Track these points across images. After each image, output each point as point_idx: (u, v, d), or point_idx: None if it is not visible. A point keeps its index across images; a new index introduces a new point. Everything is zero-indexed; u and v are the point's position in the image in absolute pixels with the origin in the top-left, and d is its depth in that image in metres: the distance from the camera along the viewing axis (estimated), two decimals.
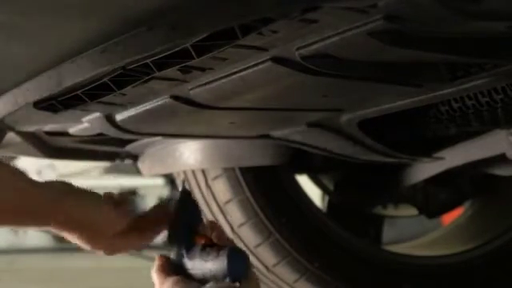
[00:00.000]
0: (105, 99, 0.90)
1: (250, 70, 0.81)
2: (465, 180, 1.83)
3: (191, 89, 0.89)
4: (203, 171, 1.51)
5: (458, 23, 0.70)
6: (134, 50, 0.73)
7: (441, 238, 1.99)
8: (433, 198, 1.79)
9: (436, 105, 1.21)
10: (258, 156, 1.42)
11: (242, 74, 0.82)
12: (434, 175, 1.48)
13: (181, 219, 1.08)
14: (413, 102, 0.99)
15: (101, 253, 1.07)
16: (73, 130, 1.16)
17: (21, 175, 0.96)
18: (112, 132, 1.05)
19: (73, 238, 1.02)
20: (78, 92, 0.88)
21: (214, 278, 0.98)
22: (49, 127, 1.19)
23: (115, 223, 1.01)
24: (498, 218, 1.84)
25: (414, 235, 2.10)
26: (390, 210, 1.93)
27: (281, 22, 0.67)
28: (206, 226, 1.05)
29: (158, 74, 0.79)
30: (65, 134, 1.21)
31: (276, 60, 0.78)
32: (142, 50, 0.73)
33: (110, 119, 1.03)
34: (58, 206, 0.97)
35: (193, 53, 0.73)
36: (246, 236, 1.53)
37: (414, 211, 1.84)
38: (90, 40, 0.76)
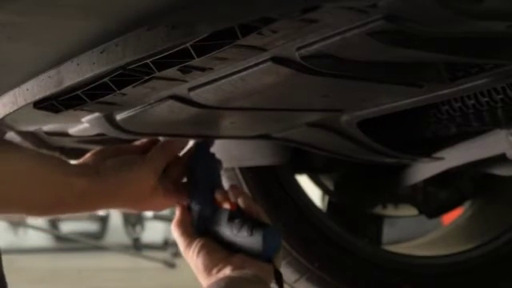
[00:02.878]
0: (105, 99, 0.90)
1: (249, 70, 0.81)
2: (465, 180, 1.83)
3: (191, 89, 0.89)
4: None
5: (458, 23, 0.70)
6: (134, 50, 0.73)
7: (441, 238, 1.99)
8: (433, 198, 1.79)
9: (436, 105, 1.21)
10: (258, 156, 1.42)
11: (242, 74, 0.82)
12: (434, 175, 1.49)
13: (199, 175, 1.08)
14: (413, 102, 1.00)
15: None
16: (73, 130, 1.16)
17: (53, 166, 0.98)
18: (112, 132, 1.05)
19: (117, 210, 1.06)
20: (78, 92, 0.88)
21: (244, 251, 0.99)
22: (49, 127, 1.19)
23: (150, 178, 1.03)
24: (498, 218, 1.84)
25: (414, 235, 2.11)
26: (390, 210, 1.93)
27: (281, 21, 0.67)
28: (228, 190, 1.06)
29: (158, 73, 0.79)
30: (65, 134, 1.21)
31: (276, 60, 0.78)
32: (142, 50, 0.73)
33: (109, 119, 1.03)
34: (88, 197, 0.99)
35: (193, 53, 0.73)
36: None
37: (414, 211, 1.84)
38: (90, 40, 0.76)
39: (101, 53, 0.77)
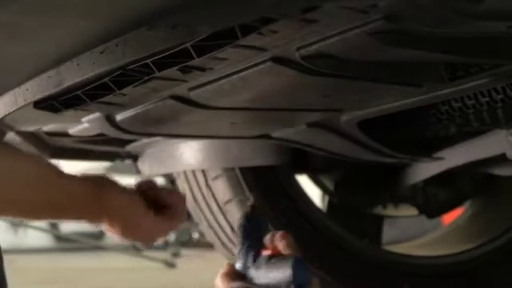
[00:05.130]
0: (105, 99, 0.90)
1: (249, 70, 0.81)
2: (465, 180, 1.83)
3: (191, 89, 0.89)
4: (203, 171, 1.51)
5: (458, 23, 0.70)
6: (134, 50, 0.73)
7: (441, 238, 1.99)
8: (433, 198, 1.79)
9: (436, 105, 1.21)
10: (258, 156, 1.42)
11: (241, 74, 0.82)
12: (434, 175, 1.48)
13: (248, 236, 1.11)
14: (413, 102, 0.99)
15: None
16: (73, 130, 1.16)
17: (49, 168, 0.97)
18: (112, 132, 1.05)
19: (113, 231, 1.04)
20: (78, 92, 0.88)
21: (278, 286, 1.01)
22: (49, 127, 1.19)
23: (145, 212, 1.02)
24: (498, 218, 1.84)
25: (413, 235, 2.10)
26: (390, 210, 1.93)
27: (281, 21, 0.67)
28: (273, 236, 1.07)
29: (158, 74, 0.79)
30: (65, 134, 1.21)
31: (276, 60, 0.78)
32: (142, 50, 0.73)
33: (109, 119, 1.03)
34: (93, 201, 0.98)
35: (193, 53, 0.73)
36: None
37: (413, 211, 1.84)
38: (90, 40, 0.76)
39: (101, 53, 0.77)
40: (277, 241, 1.06)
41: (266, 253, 1.07)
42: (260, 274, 1.05)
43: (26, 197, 0.96)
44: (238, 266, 1.09)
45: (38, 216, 1.02)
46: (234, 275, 1.07)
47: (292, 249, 1.04)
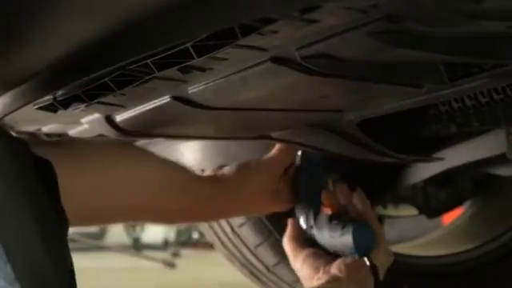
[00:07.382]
0: (105, 99, 0.90)
1: (249, 70, 0.81)
2: (465, 180, 1.83)
3: (191, 89, 0.89)
4: (203, 171, 1.51)
5: (458, 23, 0.70)
6: (134, 50, 0.73)
7: (441, 238, 1.99)
8: (433, 198, 1.79)
9: (436, 105, 1.21)
10: (258, 156, 1.42)
11: (241, 73, 0.82)
12: (433, 175, 1.48)
13: (304, 187, 1.09)
14: (413, 102, 0.99)
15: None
16: (72, 131, 1.16)
17: (182, 175, 0.97)
18: (112, 133, 1.05)
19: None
20: (78, 92, 0.88)
21: (343, 253, 1.01)
22: (49, 127, 1.19)
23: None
24: (498, 217, 1.84)
25: (414, 235, 2.10)
26: (390, 210, 1.93)
27: (281, 21, 0.67)
28: (332, 189, 1.07)
29: (158, 74, 0.79)
30: (65, 134, 1.21)
31: (276, 60, 0.78)
32: (141, 50, 0.73)
33: (109, 120, 1.03)
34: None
35: (193, 53, 0.73)
36: (246, 236, 1.53)
37: (413, 211, 1.84)
38: (89, 40, 0.76)
39: (100, 53, 0.77)
40: (334, 195, 1.04)
41: (326, 210, 1.06)
42: (324, 236, 1.04)
43: (160, 205, 0.96)
44: (302, 224, 1.07)
45: (172, 222, 1.04)
46: (299, 236, 1.07)
47: (352, 202, 1.03)
